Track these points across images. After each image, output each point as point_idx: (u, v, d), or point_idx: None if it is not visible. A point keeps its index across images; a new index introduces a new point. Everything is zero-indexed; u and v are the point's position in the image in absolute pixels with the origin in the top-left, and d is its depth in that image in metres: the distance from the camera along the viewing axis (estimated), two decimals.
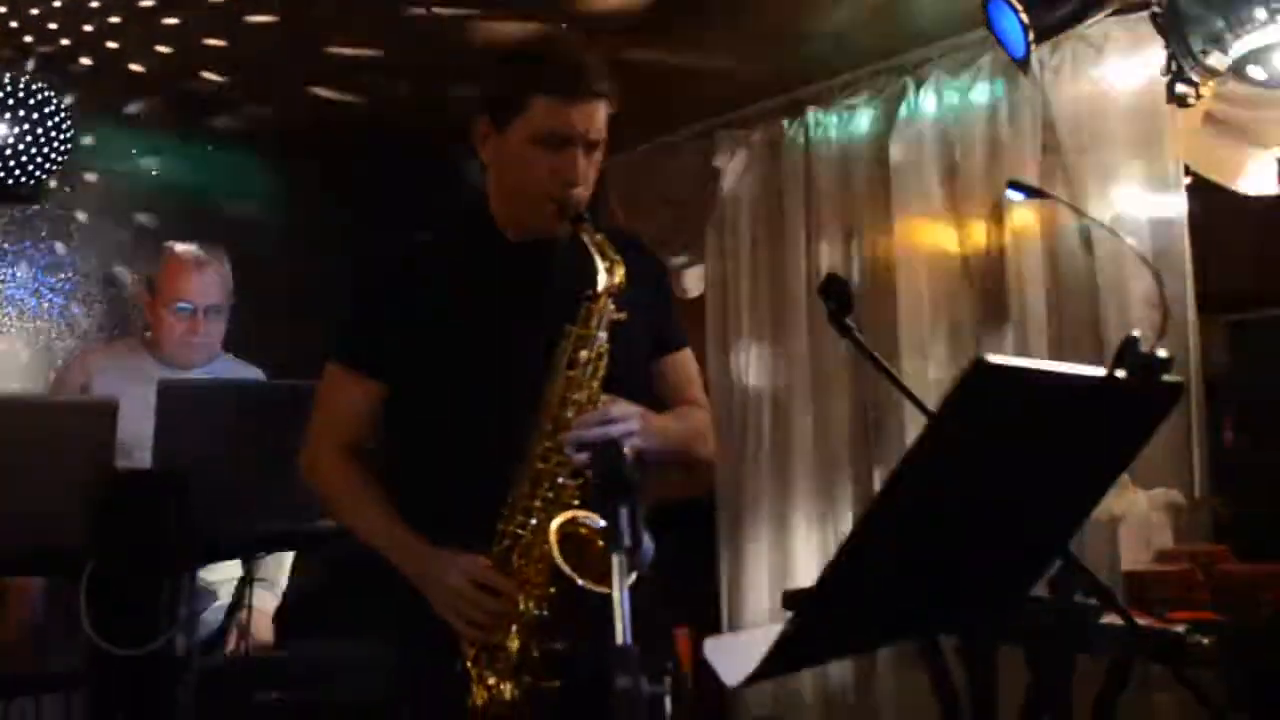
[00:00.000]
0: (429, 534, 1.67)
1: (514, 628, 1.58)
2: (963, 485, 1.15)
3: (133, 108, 3.98)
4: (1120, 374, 1.24)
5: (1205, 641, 2.06)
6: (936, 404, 1.03)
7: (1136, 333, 1.24)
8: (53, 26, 3.43)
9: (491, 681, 1.59)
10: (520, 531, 1.61)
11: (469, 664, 1.61)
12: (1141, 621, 2.12)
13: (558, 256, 1.72)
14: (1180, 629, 2.11)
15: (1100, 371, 1.22)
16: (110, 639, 2.22)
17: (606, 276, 1.62)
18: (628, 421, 1.59)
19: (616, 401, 1.62)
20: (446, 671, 1.61)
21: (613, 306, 1.63)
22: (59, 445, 2.22)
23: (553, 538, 1.53)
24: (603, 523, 1.24)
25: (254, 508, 2.36)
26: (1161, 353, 1.26)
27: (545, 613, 1.57)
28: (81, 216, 3.94)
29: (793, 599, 2.76)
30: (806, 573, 3.67)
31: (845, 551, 1.10)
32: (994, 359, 1.04)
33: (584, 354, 1.61)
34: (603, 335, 1.62)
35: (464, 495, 1.67)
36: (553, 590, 1.57)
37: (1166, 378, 1.29)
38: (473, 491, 1.64)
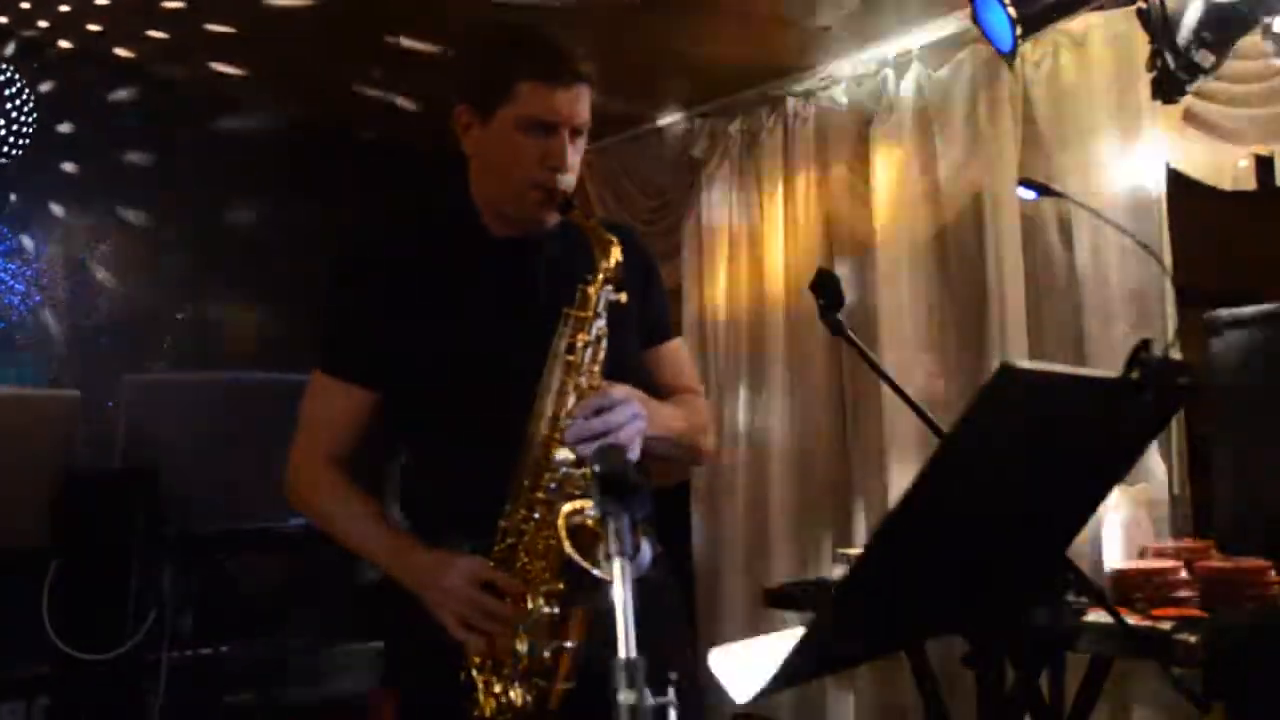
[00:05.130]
0: (430, 537, 1.60)
1: (521, 629, 1.48)
2: (983, 487, 1.13)
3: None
4: (1134, 376, 1.23)
5: (1192, 640, 2.06)
6: (921, 399, 1.01)
7: (1148, 337, 1.22)
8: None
9: (499, 689, 1.48)
10: (524, 526, 1.52)
11: (474, 672, 1.50)
12: (1129, 620, 2.12)
13: (545, 247, 1.67)
14: (1167, 627, 2.11)
15: (1115, 374, 1.21)
16: (74, 643, 2.13)
17: (603, 258, 1.55)
18: (629, 405, 1.51)
19: (616, 385, 1.55)
20: (447, 681, 1.51)
21: (610, 288, 1.55)
22: (18, 439, 2.13)
23: (561, 526, 1.43)
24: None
25: (223, 506, 2.29)
26: (1175, 356, 1.24)
27: (555, 610, 1.47)
28: (55, 207, 3.80)
29: (774, 596, 2.74)
30: (783, 568, 3.66)
31: (868, 554, 1.08)
32: (1018, 364, 1.02)
33: (582, 338, 1.53)
34: (602, 318, 1.54)
35: (464, 494, 1.59)
36: (561, 586, 1.47)
37: (1180, 380, 1.28)
38: (473, 490, 1.56)
